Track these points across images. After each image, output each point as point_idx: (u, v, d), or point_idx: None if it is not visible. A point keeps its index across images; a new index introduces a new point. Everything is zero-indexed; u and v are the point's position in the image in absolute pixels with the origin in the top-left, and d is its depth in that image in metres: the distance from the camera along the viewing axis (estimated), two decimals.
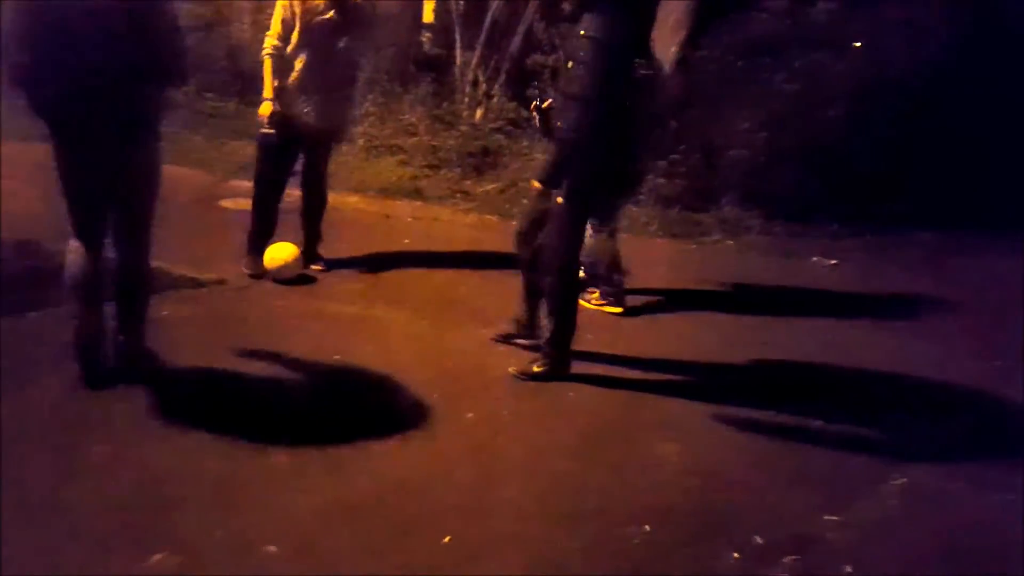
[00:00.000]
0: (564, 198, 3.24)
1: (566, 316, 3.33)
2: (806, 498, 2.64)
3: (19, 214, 3.97)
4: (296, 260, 4.20)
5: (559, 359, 3.33)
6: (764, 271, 5.08)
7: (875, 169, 5.86)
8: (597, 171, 3.26)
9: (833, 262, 5.27)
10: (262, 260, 4.19)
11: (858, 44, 6.21)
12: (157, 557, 2.10)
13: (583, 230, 3.36)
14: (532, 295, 3.51)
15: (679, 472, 2.75)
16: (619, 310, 4.13)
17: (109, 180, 2.86)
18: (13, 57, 2.71)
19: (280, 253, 4.17)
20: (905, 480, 2.77)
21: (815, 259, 5.31)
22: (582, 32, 3.12)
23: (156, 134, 2.94)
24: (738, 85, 6.06)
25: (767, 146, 5.97)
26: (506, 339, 3.58)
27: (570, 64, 3.21)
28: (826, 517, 2.54)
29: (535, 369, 3.33)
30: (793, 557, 2.34)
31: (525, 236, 3.47)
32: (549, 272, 3.33)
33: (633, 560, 2.30)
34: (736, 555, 2.33)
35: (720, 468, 2.79)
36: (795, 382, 3.56)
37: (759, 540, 2.39)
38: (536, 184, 3.30)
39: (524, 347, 3.51)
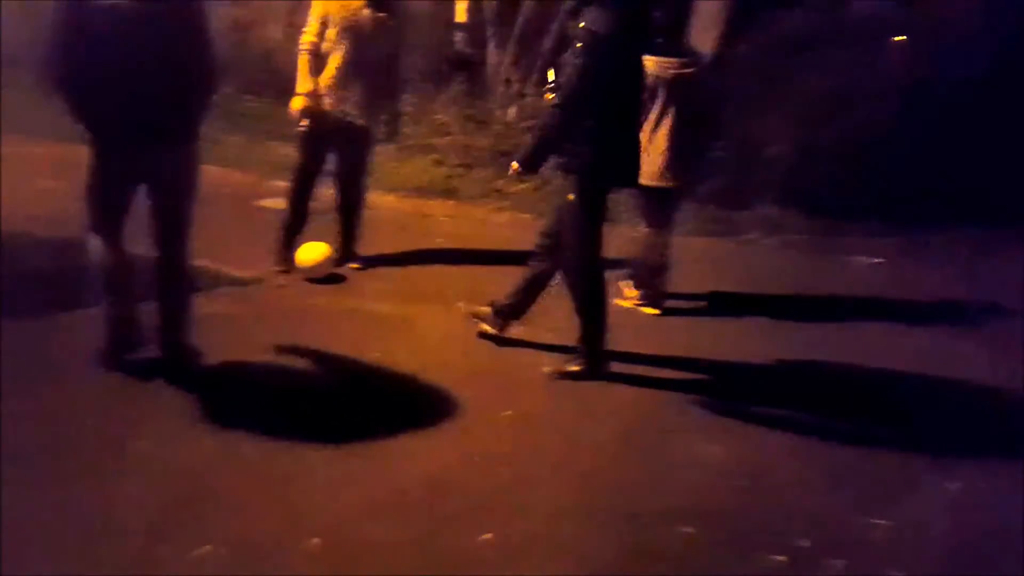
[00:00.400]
0: (574, 195, 3.23)
1: (592, 313, 3.30)
2: (851, 501, 2.60)
3: (58, 214, 4.05)
4: (327, 259, 4.23)
5: (594, 358, 3.31)
6: (804, 271, 5.00)
7: (917, 167, 5.73)
8: (599, 166, 3.23)
9: (875, 261, 5.16)
10: (292, 255, 4.23)
11: (901, 38, 6.09)
12: (204, 549, 2.13)
13: (598, 226, 3.32)
14: (525, 290, 3.48)
15: (721, 473, 2.72)
16: (656, 311, 4.10)
17: (140, 182, 2.91)
18: (53, 63, 2.76)
19: (312, 253, 4.20)
20: (955, 484, 2.71)
21: (857, 258, 5.21)
22: (580, 24, 3.13)
23: (193, 137, 2.98)
24: (777, 82, 5.97)
25: (807, 143, 5.88)
26: (476, 316, 3.57)
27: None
28: (872, 521, 2.49)
29: (570, 368, 3.32)
30: (838, 561, 2.30)
31: (548, 235, 3.44)
32: (569, 270, 3.32)
33: (674, 562, 2.27)
34: (780, 558, 2.29)
35: (762, 470, 2.75)
36: (837, 384, 3.50)
37: (803, 543, 2.36)
38: (515, 166, 3.30)
39: (488, 335, 3.51)
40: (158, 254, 3.02)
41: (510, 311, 3.52)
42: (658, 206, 4.04)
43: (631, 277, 4.13)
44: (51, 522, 2.20)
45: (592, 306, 3.31)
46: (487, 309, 3.56)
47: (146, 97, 2.78)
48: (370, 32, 4.15)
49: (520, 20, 7.28)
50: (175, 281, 3.07)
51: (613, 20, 3.10)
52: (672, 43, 3.96)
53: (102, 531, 2.20)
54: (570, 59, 3.15)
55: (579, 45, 3.12)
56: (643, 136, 3.95)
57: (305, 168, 4.29)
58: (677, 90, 3.92)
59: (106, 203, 2.92)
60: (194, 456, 2.58)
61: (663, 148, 3.93)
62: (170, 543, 2.16)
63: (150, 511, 2.29)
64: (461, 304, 3.64)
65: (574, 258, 3.30)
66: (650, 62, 3.92)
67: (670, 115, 3.94)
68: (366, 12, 4.13)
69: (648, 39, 3.45)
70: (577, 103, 3.14)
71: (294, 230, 4.29)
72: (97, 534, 2.19)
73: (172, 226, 3.00)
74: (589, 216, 3.28)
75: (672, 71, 3.90)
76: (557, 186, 3.45)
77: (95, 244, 2.93)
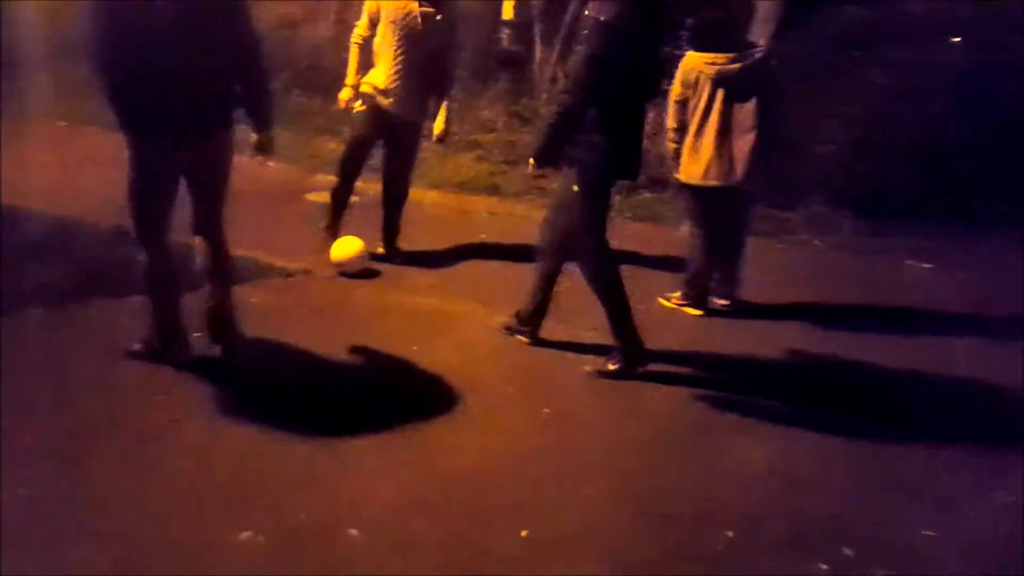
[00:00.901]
0: (578, 186, 3.21)
1: (615, 304, 3.28)
2: (899, 511, 2.53)
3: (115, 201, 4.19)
4: (360, 255, 4.28)
5: (631, 355, 3.28)
6: (854, 273, 4.87)
7: (973, 167, 5.55)
8: (604, 159, 3.19)
9: (928, 266, 5.02)
10: (340, 225, 4.33)
11: (957, 39, 5.90)
12: (245, 535, 2.18)
13: (604, 217, 3.30)
14: (540, 289, 3.46)
15: (763, 477, 2.67)
16: (700, 312, 4.04)
17: (181, 176, 2.96)
18: (97, 58, 2.82)
19: (346, 248, 4.25)
20: (1003, 492, 2.62)
21: (909, 262, 5.07)
22: (586, 12, 3.09)
23: (231, 129, 3.02)
24: (829, 79, 5.83)
25: (858, 142, 5.73)
26: (509, 331, 3.56)
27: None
28: (918, 530, 2.42)
29: (610, 367, 3.30)
30: (884, 572, 2.24)
31: (549, 229, 3.42)
32: (583, 263, 3.31)
33: (714, 566, 2.25)
34: (823, 566, 2.25)
35: (807, 475, 2.70)
36: (885, 390, 3.41)
37: (848, 552, 2.30)
38: (532, 162, 3.28)
39: (525, 343, 3.48)
40: (200, 244, 3.07)
41: (532, 315, 3.51)
42: (708, 206, 3.97)
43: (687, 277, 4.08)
44: (91, 508, 2.27)
45: (613, 296, 3.28)
46: (513, 320, 3.55)
47: (188, 92, 2.82)
48: (422, 28, 4.17)
49: (567, 17, 7.24)
50: (219, 270, 3.12)
51: (621, 9, 3.04)
52: (724, 38, 3.89)
53: (145, 516, 2.26)
54: (576, 51, 3.11)
55: (584, 33, 3.08)
56: (689, 134, 3.92)
57: (346, 157, 4.37)
58: (722, 86, 3.85)
59: (149, 199, 2.96)
60: (235, 446, 2.62)
61: (710, 146, 3.88)
62: (212, 528, 2.21)
63: (190, 498, 2.34)
64: (495, 319, 3.64)
65: (586, 251, 3.29)
66: (695, 57, 3.88)
67: (716, 112, 3.87)
68: (418, 7, 4.15)
69: (663, 31, 3.38)
70: (583, 93, 3.11)
71: (334, 216, 4.37)
72: (142, 518, 2.24)
73: (210, 218, 3.06)
74: (594, 207, 3.27)
75: (716, 67, 3.84)
76: (559, 179, 3.42)
77: (142, 254, 2.98)
